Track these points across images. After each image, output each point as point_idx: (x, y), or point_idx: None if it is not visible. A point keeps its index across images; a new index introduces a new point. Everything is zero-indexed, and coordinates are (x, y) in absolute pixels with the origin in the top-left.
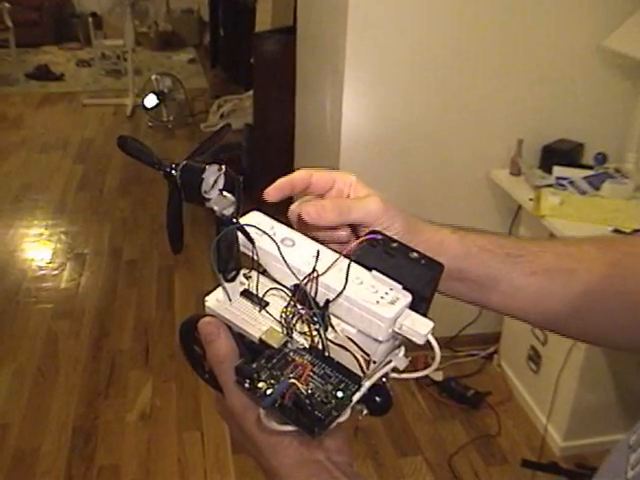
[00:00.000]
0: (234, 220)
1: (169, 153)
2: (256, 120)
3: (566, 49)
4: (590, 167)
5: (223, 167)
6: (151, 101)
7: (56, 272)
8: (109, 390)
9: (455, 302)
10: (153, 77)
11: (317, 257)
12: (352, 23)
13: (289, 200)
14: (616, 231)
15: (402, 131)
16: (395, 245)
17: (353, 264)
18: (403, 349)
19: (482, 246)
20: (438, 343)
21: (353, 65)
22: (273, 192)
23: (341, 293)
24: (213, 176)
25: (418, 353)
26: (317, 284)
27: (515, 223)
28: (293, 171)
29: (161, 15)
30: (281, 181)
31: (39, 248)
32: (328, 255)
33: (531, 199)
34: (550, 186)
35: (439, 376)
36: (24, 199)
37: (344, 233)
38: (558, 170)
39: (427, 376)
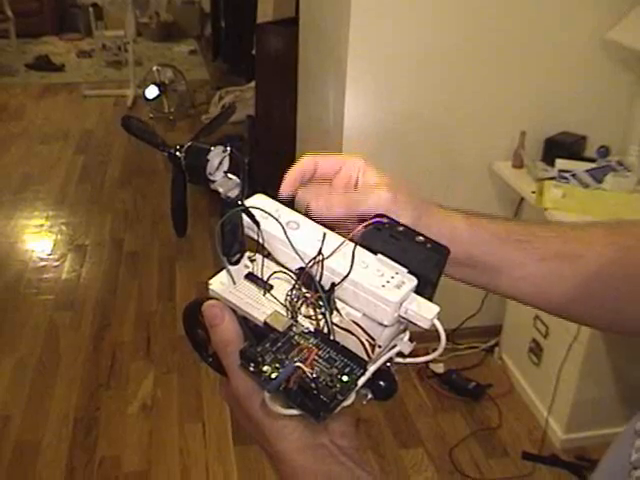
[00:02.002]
0: (239, 202)
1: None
2: (258, 111)
3: (569, 41)
4: (593, 160)
5: (228, 149)
6: (152, 92)
7: (57, 263)
8: (110, 381)
9: (457, 294)
10: (154, 68)
11: (323, 240)
12: (355, 13)
13: None
14: None
15: (404, 123)
16: (401, 229)
17: (359, 248)
18: (408, 334)
19: (493, 232)
20: (444, 327)
21: (356, 56)
22: (287, 188)
23: (347, 277)
24: (218, 158)
25: (418, 345)
26: (322, 267)
27: (517, 216)
28: (294, 163)
29: (162, 6)
30: (290, 174)
31: (40, 239)
32: (333, 239)
33: (533, 192)
34: (553, 179)
35: (440, 368)
36: (25, 190)
37: (353, 224)
38: (561, 163)
39: (428, 368)
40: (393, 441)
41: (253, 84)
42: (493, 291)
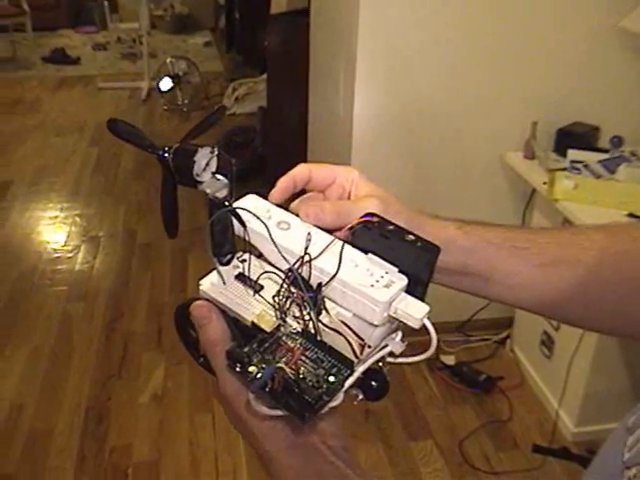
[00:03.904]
0: (226, 203)
1: None
2: (269, 103)
3: (582, 30)
4: (606, 150)
5: (216, 150)
6: (166, 84)
7: (71, 255)
8: (122, 372)
9: None
10: (168, 60)
11: (309, 240)
12: (365, 4)
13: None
14: (631, 215)
15: (414, 113)
16: (391, 227)
17: (349, 247)
18: (400, 333)
19: (488, 240)
20: (435, 327)
21: (365, 46)
22: (277, 194)
23: (334, 276)
24: (205, 159)
25: (427, 337)
26: (310, 267)
27: (529, 207)
28: (306, 155)
29: None
30: (282, 181)
31: (54, 231)
32: (323, 238)
33: (545, 183)
34: (564, 170)
35: (451, 360)
36: (40, 182)
37: (344, 233)
38: (573, 153)
39: (439, 360)
40: (402, 433)
41: (266, 76)
42: (485, 297)
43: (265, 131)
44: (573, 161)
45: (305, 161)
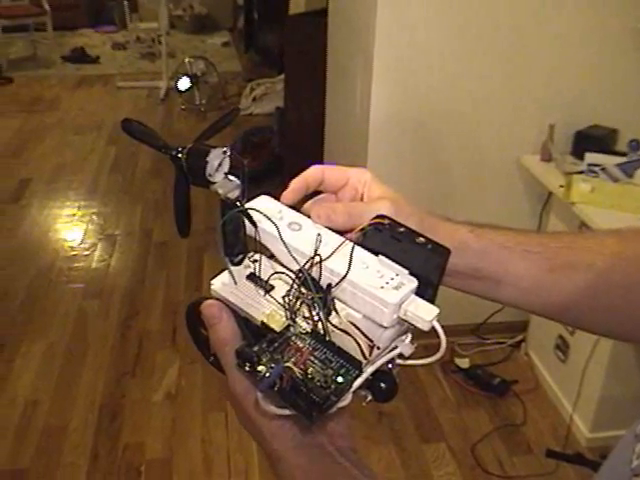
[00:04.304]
0: (238, 203)
1: None
2: (287, 103)
3: (600, 32)
4: (624, 154)
5: (228, 151)
6: (184, 84)
7: (87, 252)
8: (136, 369)
9: None
10: (186, 60)
11: (319, 241)
12: (382, 4)
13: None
14: None
15: (431, 114)
16: (402, 230)
17: (360, 249)
18: (410, 335)
19: (500, 243)
20: (448, 330)
21: (383, 46)
22: (289, 195)
23: (344, 277)
24: (217, 159)
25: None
26: (321, 268)
27: (545, 210)
28: (323, 155)
29: None
30: (295, 182)
31: (71, 229)
32: (334, 239)
33: (562, 186)
34: (581, 173)
35: (465, 363)
36: (58, 180)
37: (355, 235)
38: (590, 157)
39: (453, 363)
40: (415, 435)
41: (284, 76)
42: (496, 300)
43: (282, 131)
44: (590, 164)
45: (322, 162)
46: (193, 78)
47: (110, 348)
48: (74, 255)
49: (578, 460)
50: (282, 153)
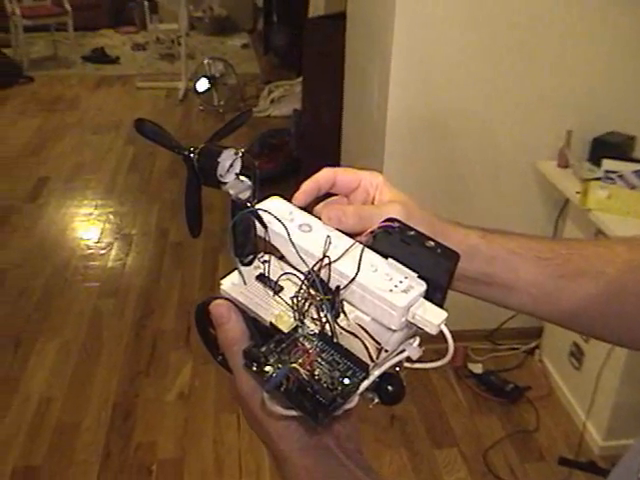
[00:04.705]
0: (248, 204)
1: None
2: (305, 106)
3: (618, 38)
4: None
5: (240, 151)
6: (203, 85)
7: (103, 251)
8: (150, 369)
9: None
10: (205, 61)
11: (328, 243)
12: (400, 7)
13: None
14: None
15: (448, 117)
16: (412, 233)
17: (369, 251)
18: (418, 339)
19: (511, 249)
20: (458, 335)
21: (401, 51)
22: (301, 196)
23: (353, 280)
24: (229, 160)
25: (457, 344)
26: (330, 270)
27: (562, 216)
28: (339, 157)
29: (216, 0)
30: (307, 184)
31: (88, 228)
32: (344, 242)
33: (578, 192)
34: (598, 179)
35: (479, 369)
36: (76, 179)
37: (365, 238)
38: (607, 163)
39: (466, 368)
40: (427, 440)
41: (302, 78)
42: (506, 306)
43: (300, 133)
44: (607, 171)
45: (339, 164)
46: (212, 79)
47: (124, 347)
48: (90, 254)
49: (591, 468)
50: (299, 155)
